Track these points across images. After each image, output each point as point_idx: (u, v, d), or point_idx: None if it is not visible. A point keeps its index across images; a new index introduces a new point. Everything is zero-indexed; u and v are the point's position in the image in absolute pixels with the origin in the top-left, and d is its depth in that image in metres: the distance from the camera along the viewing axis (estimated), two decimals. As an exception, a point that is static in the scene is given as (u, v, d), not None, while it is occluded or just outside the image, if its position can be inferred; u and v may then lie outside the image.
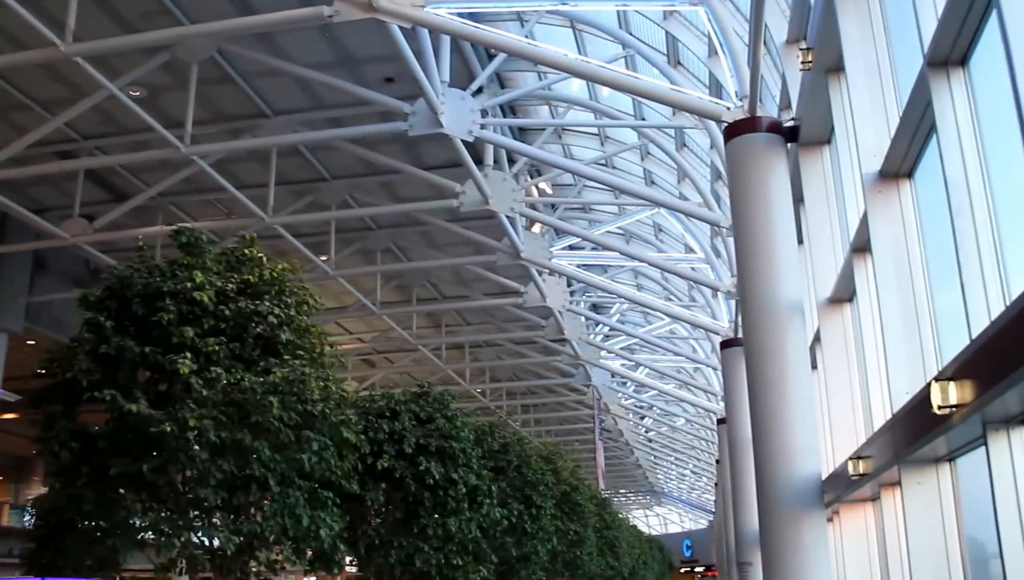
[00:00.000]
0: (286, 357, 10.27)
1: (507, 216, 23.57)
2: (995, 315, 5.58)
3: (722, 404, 27.58)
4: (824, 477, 11.28)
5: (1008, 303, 5.27)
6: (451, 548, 15.45)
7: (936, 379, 6.11)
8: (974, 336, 5.92)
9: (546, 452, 24.50)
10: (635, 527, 53.93)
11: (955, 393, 5.84)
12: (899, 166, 8.42)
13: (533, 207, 24.68)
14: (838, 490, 10.89)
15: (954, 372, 5.97)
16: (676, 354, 35.63)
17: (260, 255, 11.17)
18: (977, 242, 6.19)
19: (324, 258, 25.43)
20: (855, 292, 10.53)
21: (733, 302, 23.30)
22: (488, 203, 22.23)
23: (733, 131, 11.97)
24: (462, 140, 18.02)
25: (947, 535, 7.80)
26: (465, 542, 15.88)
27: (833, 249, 12.02)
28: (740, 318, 16.60)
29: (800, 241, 13.06)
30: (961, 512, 7.76)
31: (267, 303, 10.34)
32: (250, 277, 10.72)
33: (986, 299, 6.04)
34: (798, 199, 13.14)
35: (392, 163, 22.05)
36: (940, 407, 5.94)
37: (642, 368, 38.66)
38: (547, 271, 27.93)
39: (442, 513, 15.14)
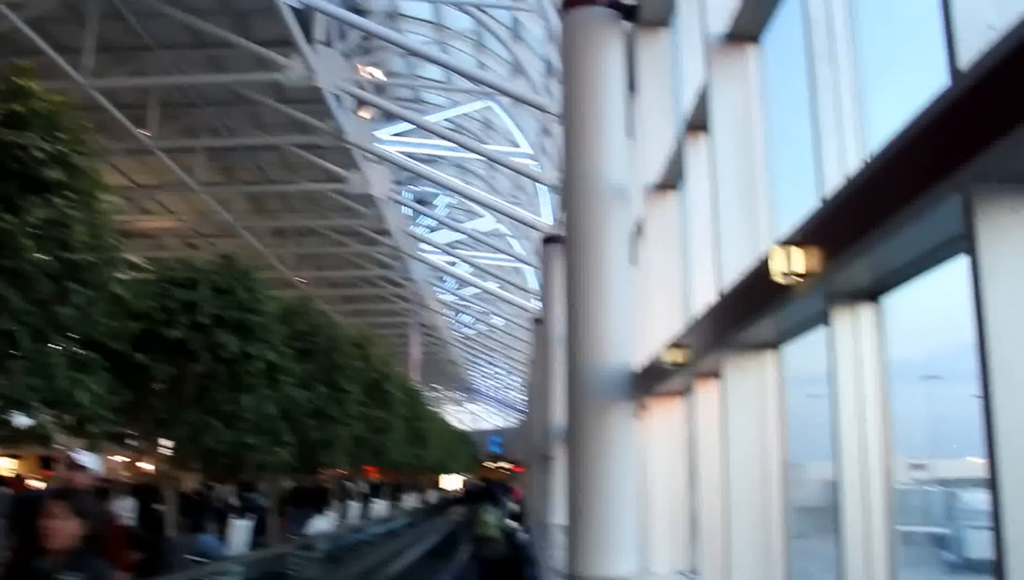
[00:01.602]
0: (53, 198, 8.71)
1: (334, 95, 22.22)
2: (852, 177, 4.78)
3: (540, 304, 27.16)
4: (640, 370, 10.73)
5: (868, 160, 4.47)
6: (244, 426, 14.21)
7: (778, 244, 5.33)
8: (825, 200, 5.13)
9: (358, 338, 23.37)
10: (445, 420, 53.81)
11: (798, 260, 5.08)
12: (747, 27, 7.64)
13: (362, 88, 23.27)
14: (653, 382, 10.32)
15: (798, 237, 5.22)
16: (498, 251, 35.02)
17: (33, 85, 9.45)
18: (837, 96, 5.39)
19: (147, 134, 23.57)
20: (685, 176, 9.79)
21: (557, 200, 22.67)
22: (314, 80, 20.80)
23: (570, 2, 11.13)
24: (293, 11, 16.54)
25: (767, 428, 7.22)
26: (261, 421, 14.66)
27: (664, 135, 11.28)
28: (562, 212, 15.88)
29: (631, 131, 12.28)
30: (784, 403, 7.19)
31: (32, 136, 8.72)
32: (17, 108, 9.03)
33: (841, 162, 5.26)
34: (632, 86, 12.35)
35: (220, 34, 20.42)
36: (782, 275, 5.17)
37: (463, 264, 37.92)
38: (373, 159, 26.61)
39: (237, 390, 13.86)
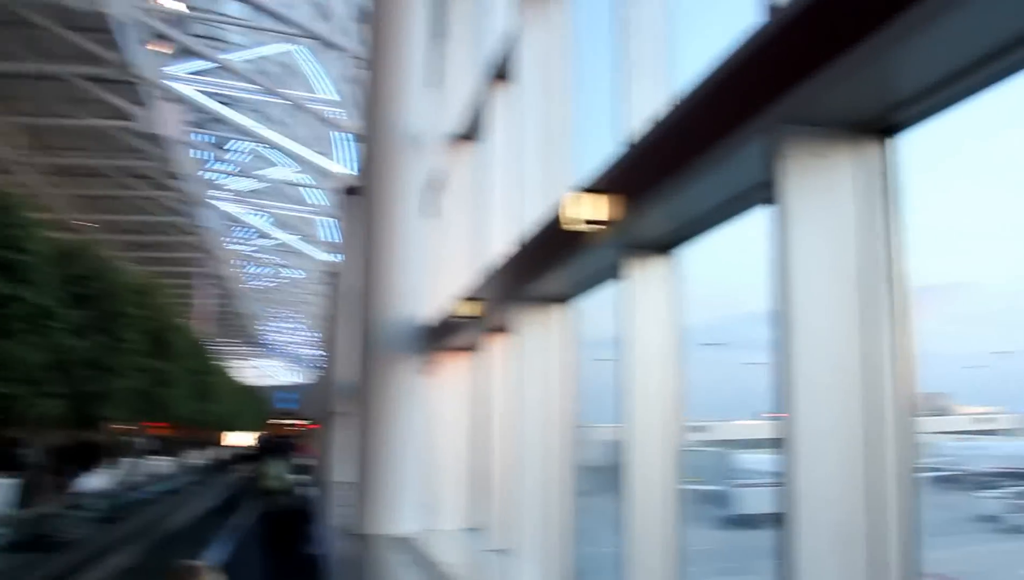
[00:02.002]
0: None
1: (123, 23, 20.65)
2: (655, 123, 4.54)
3: (339, 258, 26.43)
4: (433, 324, 10.40)
5: (674, 103, 4.23)
6: (7, 375, 13.03)
7: (575, 190, 5.05)
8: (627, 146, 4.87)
9: (141, 285, 22.01)
10: (235, 375, 52.11)
11: (595, 207, 4.81)
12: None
13: (157, 18, 21.76)
14: (445, 336, 10.01)
15: (596, 184, 4.95)
16: (297, 202, 33.91)
17: None
18: (645, 35, 5.13)
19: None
20: (487, 125, 9.46)
21: (359, 150, 22.00)
22: (101, 4, 19.27)
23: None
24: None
25: (557, 385, 7.01)
26: (27, 370, 13.49)
27: (469, 83, 10.91)
28: (363, 162, 15.36)
29: (440, 79, 11.88)
30: (575, 360, 7.00)
31: None
32: None
33: (646, 105, 5.01)
34: (441, 33, 11.95)
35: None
36: (578, 222, 4.89)
37: (259, 214, 36.54)
38: (165, 96, 25.04)
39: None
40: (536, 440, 7.02)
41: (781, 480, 3.16)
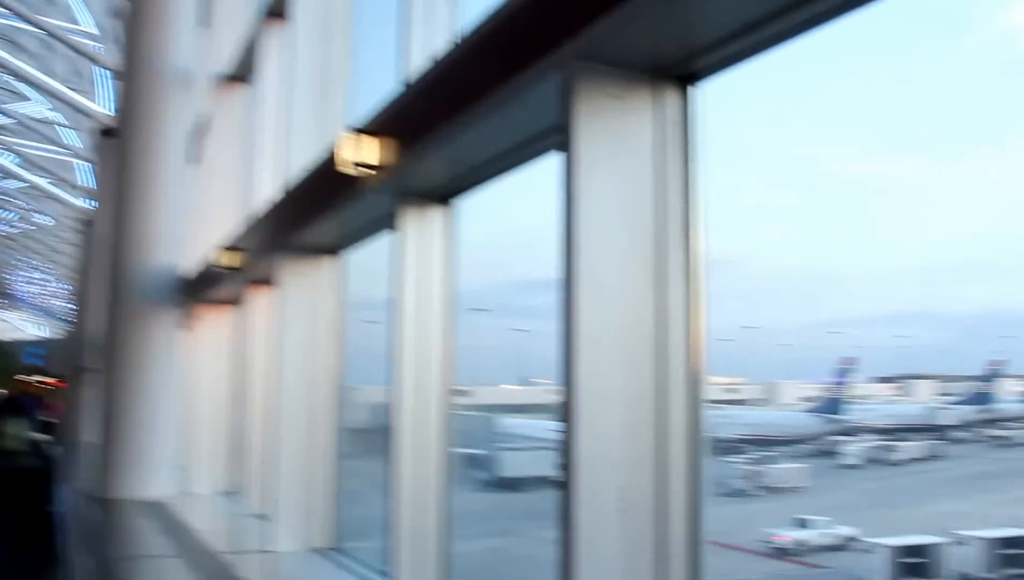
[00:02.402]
0: None
1: None
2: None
3: (93, 204, 24.58)
4: (192, 275, 9.68)
5: (458, 39, 3.88)
6: None
7: (349, 131, 4.61)
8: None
9: None
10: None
11: (369, 150, 4.40)
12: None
13: None
14: (204, 288, 9.32)
15: (372, 125, 4.54)
16: (49, 142, 31.31)
17: None
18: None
19: None
20: (259, 65, 8.81)
21: (118, 89, 20.42)
22: None
23: None
24: None
25: (322, 341, 6.58)
26: None
27: (241, 22, 10.16)
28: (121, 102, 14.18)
29: (206, 17, 11.04)
30: (343, 316, 6.60)
31: None
32: None
33: (428, 42, 4.63)
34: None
35: None
36: (351, 165, 4.47)
37: (6, 153, 33.53)
38: None
39: None
40: (298, 401, 6.57)
41: (563, 445, 2.90)
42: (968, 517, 37.58)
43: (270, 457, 6.89)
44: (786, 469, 41.93)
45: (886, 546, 30.22)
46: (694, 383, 2.98)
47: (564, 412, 2.89)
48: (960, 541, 30.83)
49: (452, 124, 3.73)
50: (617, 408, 2.89)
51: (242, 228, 7.97)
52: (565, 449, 2.86)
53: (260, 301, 8.04)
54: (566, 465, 2.85)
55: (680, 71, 3.02)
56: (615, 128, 2.99)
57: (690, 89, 3.05)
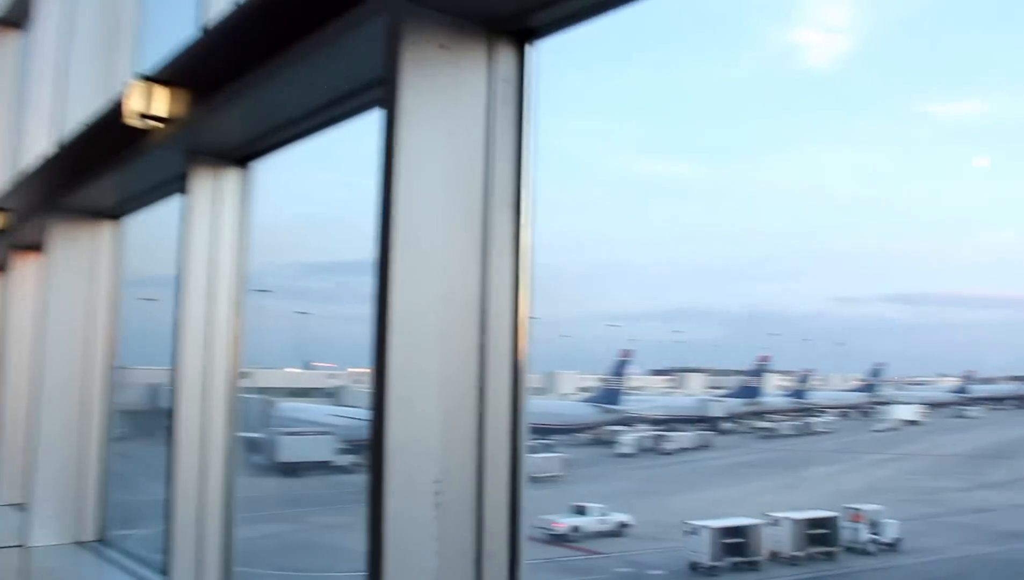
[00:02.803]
0: None
1: None
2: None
3: None
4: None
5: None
6: None
7: (137, 78, 4.07)
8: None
9: None
10: None
11: (152, 101, 3.88)
12: None
13: None
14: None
15: (164, 74, 4.03)
16: None
17: None
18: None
19: None
20: (34, 11, 7.94)
21: None
22: None
23: None
24: None
25: (96, 315, 5.94)
26: None
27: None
28: None
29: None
30: (118, 288, 5.98)
31: None
32: None
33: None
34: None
35: None
36: (137, 117, 3.94)
37: None
38: None
39: None
40: (66, 380, 5.89)
41: (372, 432, 2.55)
42: (735, 503, 39.81)
43: (29, 440, 6.17)
44: (546, 458, 43.07)
45: (709, 528, 32.31)
46: (518, 367, 2.73)
47: (374, 396, 2.55)
48: (774, 522, 33.28)
49: (256, 74, 3.32)
50: (434, 392, 2.59)
51: (8, 186, 7.12)
52: (374, 438, 2.53)
53: (27, 269, 7.22)
54: (375, 456, 2.51)
55: (517, 26, 2.74)
56: (444, 83, 2.67)
57: (527, 47, 2.79)
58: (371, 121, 3.06)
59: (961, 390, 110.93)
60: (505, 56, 2.76)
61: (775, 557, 33.94)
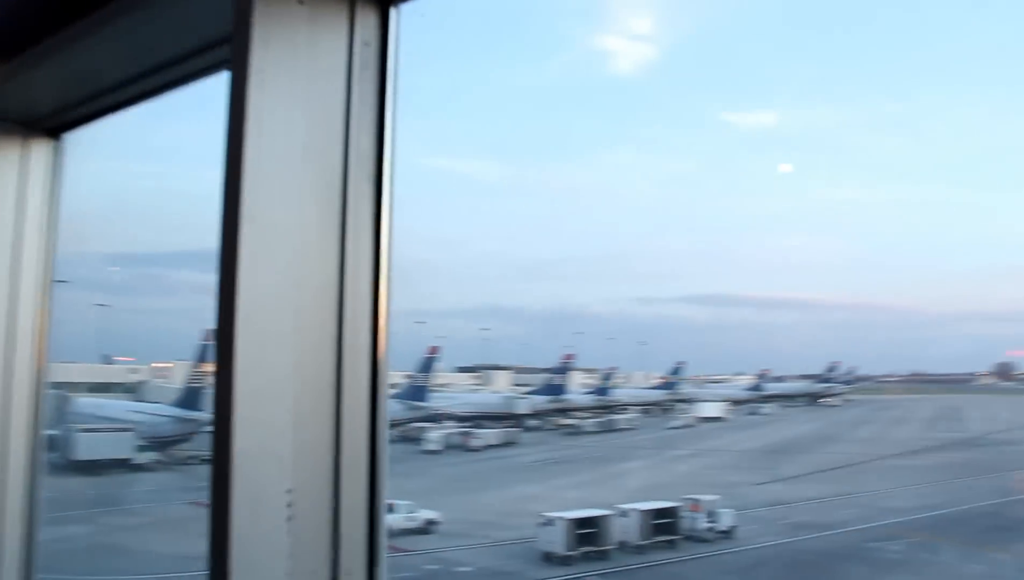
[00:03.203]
0: None
1: None
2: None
3: None
4: None
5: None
6: None
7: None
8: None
9: None
10: None
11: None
12: None
13: None
14: None
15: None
16: None
17: None
18: None
19: None
20: None
21: None
22: None
23: None
24: None
25: None
26: None
27: None
28: None
29: None
30: None
31: None
32: None
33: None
34: None
35: None
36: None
37: None
38: None
39: None
40: None
41: (215, 438, 2.20)
42: (541, 500, 40.67)
43: None
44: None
45: (565, 519, 33.62)
46: (378, 363, 2.44)
47: (218, 396, 2.21)
48: (623, 513, 34.94)
49: (72, 29, 2.90)
50: (287, 391, 2.27)
51: None
52: (218, 444, 2.18)
53: None
54: (219, 465, 2.16)
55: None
56: (300, 42, 2.34)
57: (392, 10, 2.50)
58: (208, 89, 2.73)
59: (756, 388, 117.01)
60: (366, 16, 2.46)
61: (624, 546, 35.55)
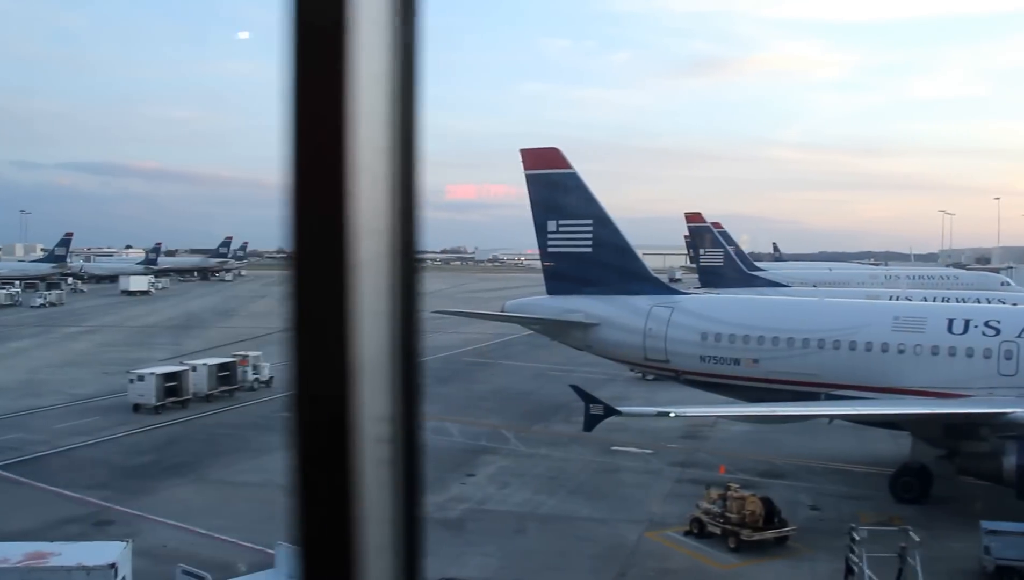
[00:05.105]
0: None
1: None
2: None
3: None
4: None
5: None
6: None
7: None
8: None
9: None
10: None
11: None
12: None
13: None
14: None
15: None
16: None
17: None
18: None
19: None
20: None
21: None
22: None
23: None
24: None
25: None
26: None
27: None
28: None
29: None
30: None
31: None
32: None
33: None
34: None
35: None
36: None
37: None
38: None
39: None
40: None
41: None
42: None
43: None
44: None
45: (155, 374, 41.13)
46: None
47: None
48: (194, 368, 44.05)
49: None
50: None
51: None
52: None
53: None
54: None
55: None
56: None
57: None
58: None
59: (151, 262, 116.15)
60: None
61: (196, 396, 45.10)
